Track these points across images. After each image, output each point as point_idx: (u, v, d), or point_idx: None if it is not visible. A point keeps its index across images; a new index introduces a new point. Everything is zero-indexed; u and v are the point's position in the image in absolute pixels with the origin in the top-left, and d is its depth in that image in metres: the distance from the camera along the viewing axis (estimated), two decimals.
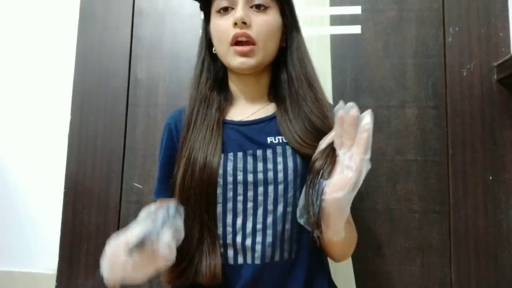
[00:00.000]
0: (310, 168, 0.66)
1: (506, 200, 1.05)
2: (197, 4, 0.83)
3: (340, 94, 1.12)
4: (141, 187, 1.15)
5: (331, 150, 0.64)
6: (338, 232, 0.64)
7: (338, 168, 0.62)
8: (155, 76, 1.19)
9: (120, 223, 1.14)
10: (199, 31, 1.18)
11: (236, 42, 0.74)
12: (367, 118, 0.59)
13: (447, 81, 1.10)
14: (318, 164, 0.64)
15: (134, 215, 1.13)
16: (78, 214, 1.15)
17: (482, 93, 1.08)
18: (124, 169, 1.16)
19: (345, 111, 0.60)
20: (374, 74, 1.13)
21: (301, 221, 0.66)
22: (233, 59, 0.75)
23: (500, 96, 1.08)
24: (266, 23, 0.74)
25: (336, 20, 1.15)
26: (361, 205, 1.08)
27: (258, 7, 0.74)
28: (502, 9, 1.10)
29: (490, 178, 1.06)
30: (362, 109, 1.13)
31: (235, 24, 0.73)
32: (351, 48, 1.14)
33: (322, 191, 0.61)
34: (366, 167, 0.60)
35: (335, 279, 1.05)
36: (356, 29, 1.14)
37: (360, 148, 0.59)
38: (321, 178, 0.62)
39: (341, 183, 0.60)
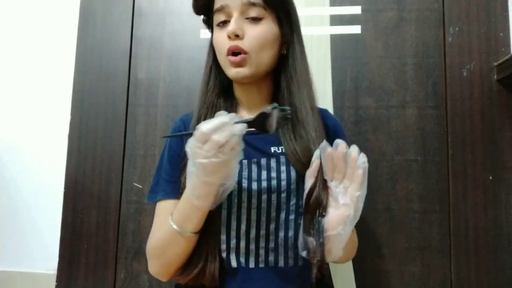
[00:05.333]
0: (306, 206, 0.69)
1: (506, 200, 1.05)
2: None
3: (340, 94, 1.13)
4: (141, 187, 1.15)
5: (321, 182, 0.68)
6: (338, 255, 0.67)
7: (332, 202, 0.66)
8: (155, 76, 1.19)
9: (120, 223, 1.14)
10: (199, 31, 1.19)
11: (231, 53, 0.76)
12: (363, 156, 0.64)
13: (447, 81, 1.10)
14: (313, 202, 0.68)
15: (134, 215, 1.14)
16: (78, 214, 1.15)
17: (482, 93, 1.08)
18: (124, 169, 1.16)
19: (333, 148, 0.65)
20: (374, 74, 1.13)
21: (303, 253, 0.68)
22: (229, 70, 0.77)
23: (500, 96, 1.08)
24: (259, 34, 0.76)
25: (336, 20, 1.15)
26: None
27: (253, 18, 0.76)
28: (502, 9, 1.10)
29: (490, 178, 1.06)
30: (362, 110, 1.13)
31: (229, 37, 0.75)
32: (351, 48, 1.14)
33: (323, 229, 0.65)
34: (362, 200, 0.64)
35: (335, 279, 1.05)
36: (356, 29, 1.14)
37: (355, 184, 0.63)
38: (319, 216, 0.67)
39: (340, 219, 0.64)
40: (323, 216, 0.66)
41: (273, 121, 0.63)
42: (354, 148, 0.64)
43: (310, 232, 0.67)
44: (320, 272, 0.66)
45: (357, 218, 0.64)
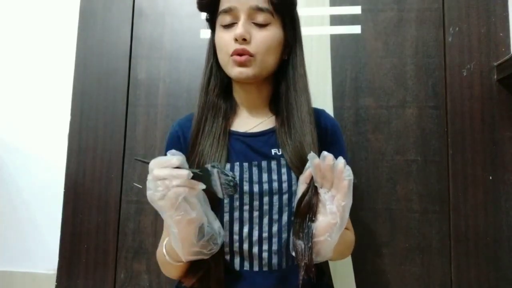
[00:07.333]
0: (296, 211, 0.70)
1: (506, 200, 1.05)
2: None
3: (340, 94, 1.13)
4: (141, 187, 1.15)
5: (313, 188, 0.69)
6: (326, 257, 0.70)
7: (321, 208, 0.68)
8: (155, 76, 1.19)
9: (120, 223, 1.14)
10: (199, 31, 1.19)
11: (236, 54, 0.76)
12: (348, 169, 0.65)
13: (447, 81, 1.10)
14: (304, 206, 0.69)
15: (134, 215, 1.14)
16: (78, 214, 1.15)
17: (482, 93, 1.08)
18: (124, 169, 1.16)
19: (321, 159, 0.66)
20: (374, 74, 1.13)
21: (293, 253, 0.70)
22: (232, 69, 0.77)
23: (500, 96, 1.08)
24: (266, 39, 0.76)
25: (336, 20, 1.15)
26: (361, 205, 1.08)
27: (261, 23, 0.76)
28: (502, 9, 1.10)
29: (490, 178, 1.06)
30: (362, 110, 1.13)
31: (236, 40, 0.75)
32: (351, 48, 1.14)
33: (312, 233, 0.68)
34: (348, 210, 0.66)
35: (335, 279, 1.05)
36: (356, 29, 1.14)
37: (340, 195, 0.65)
38: (309, 221, 0.69)
39: (327, 226, 0.66)
40: (313, 221, 0.68)
41: (217, 182, 0.62)
42: (341, 160, 0.65)
43: (299, 236, 0.69)
44: (306, 273, 0.68)
45: (344, 226, 0.66)
